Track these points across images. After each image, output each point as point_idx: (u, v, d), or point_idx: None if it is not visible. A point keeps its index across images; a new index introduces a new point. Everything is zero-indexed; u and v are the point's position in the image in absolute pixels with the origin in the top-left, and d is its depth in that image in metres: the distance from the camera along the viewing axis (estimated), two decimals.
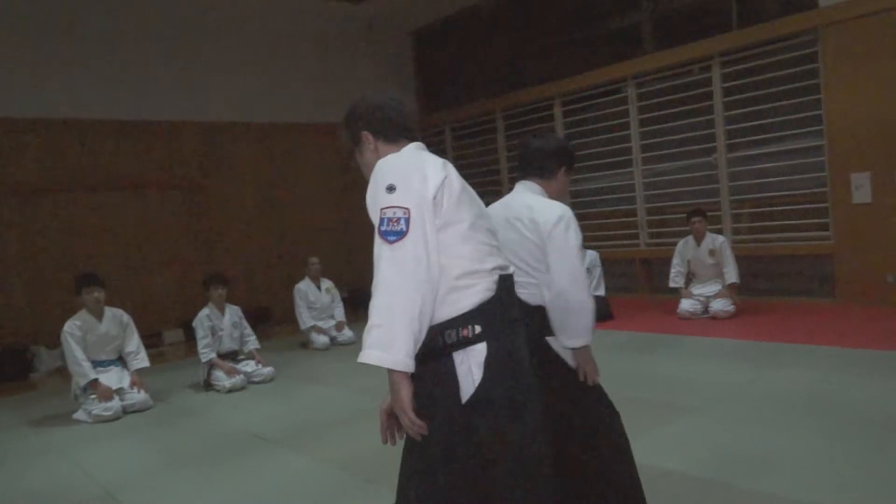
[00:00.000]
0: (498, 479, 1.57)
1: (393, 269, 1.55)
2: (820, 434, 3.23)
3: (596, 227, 8.28)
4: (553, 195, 2.37)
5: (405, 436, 1.64)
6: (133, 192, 7.96)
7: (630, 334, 5.98)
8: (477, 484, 1.57)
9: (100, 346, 5.08)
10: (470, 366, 1.58)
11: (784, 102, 6.55)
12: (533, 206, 2.25)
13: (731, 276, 6.23)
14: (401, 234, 1.56)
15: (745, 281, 6.70)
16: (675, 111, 7.36)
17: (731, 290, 6.29)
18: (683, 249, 6.53)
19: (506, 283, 1.68)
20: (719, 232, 6.79)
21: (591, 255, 6.95)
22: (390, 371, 1.55)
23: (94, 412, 4.80)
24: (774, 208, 6.86)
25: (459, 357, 1.59)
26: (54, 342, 5.75)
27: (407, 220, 1.56)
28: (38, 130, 7.30)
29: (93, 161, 7.67)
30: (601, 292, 6.80)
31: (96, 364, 5.04)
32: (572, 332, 2.17)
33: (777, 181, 6.71)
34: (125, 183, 7.87)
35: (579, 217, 7.53)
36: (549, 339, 2.21)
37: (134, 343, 5.24)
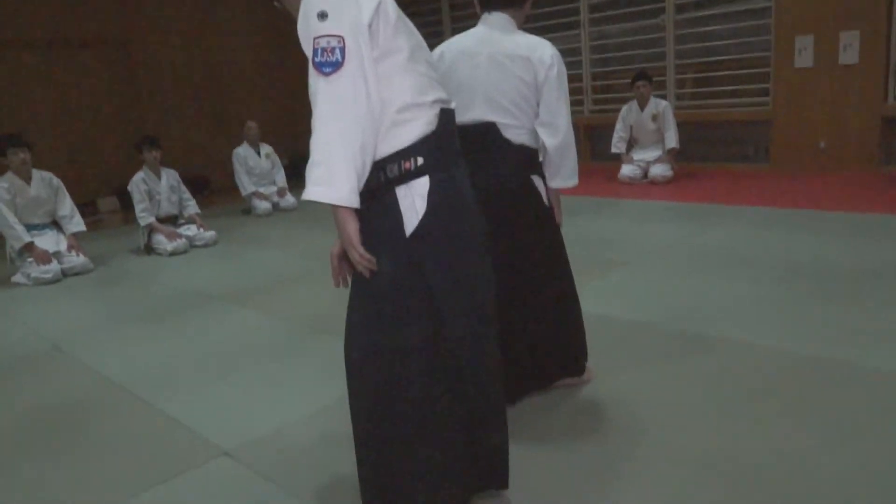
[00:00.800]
0: (445, 311, 1.61)
1: (330, 102, 1.50)
2: (747, 281, 3.45)
3: None
4: (519, 27, 2.27)
5: (353, 272, 1.66)
6: (60, 50, 7.40)
7: (571, 198, 6.09)
8: (422, 316, 1.61)
9: (31, 209, 4.91)
10: (413, 199, 1.58)
11: None
12: (521, 42, 2.19)
13: (672, 141, 6.34)
14: (336, 66, 1.49)
15: (686, 147, 6.83)
16: None
17: (671, 156, 6.42)
18: (626, 115, 6.57)
19: (447, 116, 1.65)
20: (663, 97, 6.83)
21: None
22: (335, 208, 1.54)
23: (32, 275, 4.71)
24: (718, 73, 6.89)
25: (402, 191, 1.58)
26: None
27: (342, 50, 1.48)
28: None
29: (17, 17, 7.03)
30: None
31: (30, 228, 4.89)
32: (567, 175, 2.28)
33: (723, 45, 6.70)
34: (52, 41, 7.29)
35: None
36: (533, 177, 2.25)
37: (67, 206, 5.08)
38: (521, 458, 1.96)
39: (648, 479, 1.88)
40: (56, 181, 5.07)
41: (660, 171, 6.34)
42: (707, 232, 4.52)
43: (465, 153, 1.74)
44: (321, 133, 1.51)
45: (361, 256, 1.57)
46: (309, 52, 1.51)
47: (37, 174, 4.94)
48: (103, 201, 7.79)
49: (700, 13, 6.80)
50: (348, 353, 1.67)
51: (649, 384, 2.45)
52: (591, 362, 2.54)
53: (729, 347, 2.69)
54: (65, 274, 4.84)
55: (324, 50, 1.49)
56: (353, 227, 1.56)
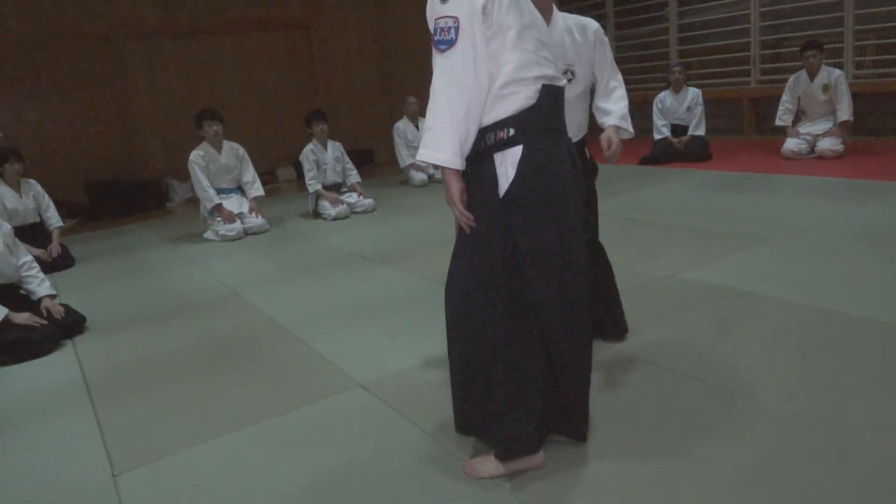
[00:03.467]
0: (529, 274, 1.78)
1: (442, 76, 1.73)
2: (883, 262, 3.24)
3: (703, 64, 7.88)
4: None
5: (456, 225, 1.89)
6: (241, 33, 8.29)
7: (726, 174, 5.89)
8: (509, 275, 1.79)
9: (221, 174, 5.66)
10: (507, 166, 1.77)
11: None
12: (567, 16, 2.47)
13: (845, 112, 5.88)
14: (450, 43, 1.71)
15: (863, 120, 6.31)
16: None
17: (844, 128, 5.96)
18: (794, 85, 6.17)
19: (551, 93, 1.81)
20: (839, 66, 6.32)
21: (693, 92, 6.72)
22: (442, 168, 1.79)
23: (220, 232, 5.46)
24: None
25: (498, 158, 1.78)
26: (185, 176, 6.38)
27: (456, 30, 1.70)
28: None
29: (207, 5, 8.00)
30: (701, 132, 6.65)
31: (219, 191, 5.64)
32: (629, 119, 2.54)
33: None
34: (233, 25, 8.20)
35: (684, 54, 7.32)
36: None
37: (250, 173, 5.78)
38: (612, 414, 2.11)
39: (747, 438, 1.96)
40: (242, 151, 5.78)
41: (828, 144, 5.91)
42: (865, 210, 4.22)
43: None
44: (433, 102, 1.76)
45: (461, 213, 1.80)
46: (431, 31, 1.75)
47: (226, 144, 5.68)
48: (282, 171, 8.65)
49: None
50: (448, 293, 1.92)
51: (758, 355, 2.46)
52: (701, 325, 2.59)
53: (848, 323, 2.60)
54: (246, 232, 5.55)
55: (441, 30, 1.73)
56: (455, 186, 1.79)
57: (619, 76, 2.57)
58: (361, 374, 2.67)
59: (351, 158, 6.37)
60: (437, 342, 2.89)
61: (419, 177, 7.10)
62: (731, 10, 7.46)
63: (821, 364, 2.34)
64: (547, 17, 2.33)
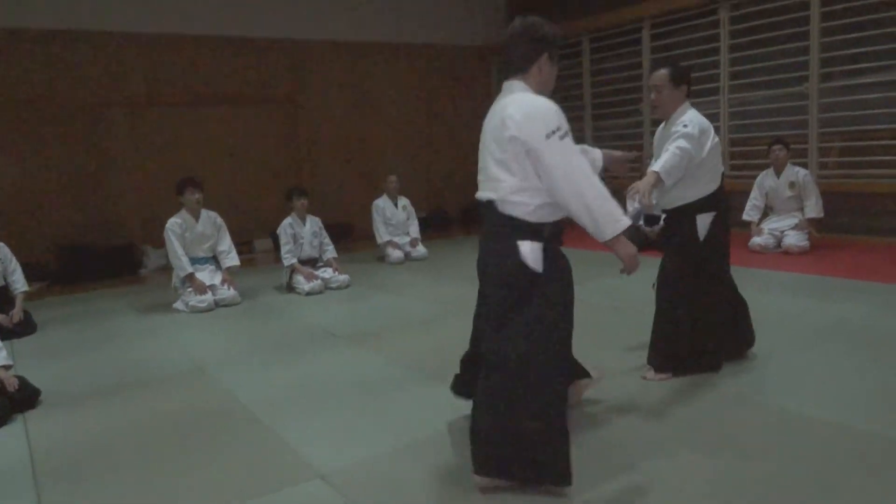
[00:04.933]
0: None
1: None
2: (870, 364, 3.28)
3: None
4: (535, 89, 2.40)
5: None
6: (230, 106, 8.46)
7: None
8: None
9: (197, 243, 5.64)
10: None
11: (884, 31, 6.15)
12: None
13: (813, 210, 6.09)
14: None
15: (827, 217, 6.51)
16: (769, 36, 7.02)
17: (811, 225, 6.15)
18: (762, 182, 6.41)
19: None
20: (804, 166, 6.58)
21: None
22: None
23: (190, 303, 5.39)
24: (864, 143, 6.54)
25: None
26: (160, 243, 6.36)
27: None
28: (142, 45, 7.82)
29: (194, 76, 8.18)
30: None
31: (194, 261, 5.61)
32: None
33: (870, 114, 6.38)
34: (223, 97, 8.37)
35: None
36: None
37: (226, 243, 5.77)
38: None
39: None
40: (220, 220, 5.79)
41: (794, 240, 6.08)
42: (832, 308, 4.31)
43: None
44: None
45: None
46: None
47: (205, 213, 5.69)
48: (259, 241, 8.65)
49: (846, 82, 6.54)
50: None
51: (714, 457, 2.45)
52: (667, 423, 2.57)
53: (812, 426, 2.61)
54: (217, 304, 5.49)
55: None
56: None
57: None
58: (323, 462, 2.60)
59: (329, 231, 6.40)
60: (403, 429, 2.85)
61: (396, 254, 7.14)
62: (701, 108, 7.73)
63: (781, 467, 2.33)
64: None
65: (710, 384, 3.14)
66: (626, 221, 2.26)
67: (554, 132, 2.20)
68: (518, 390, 2.25)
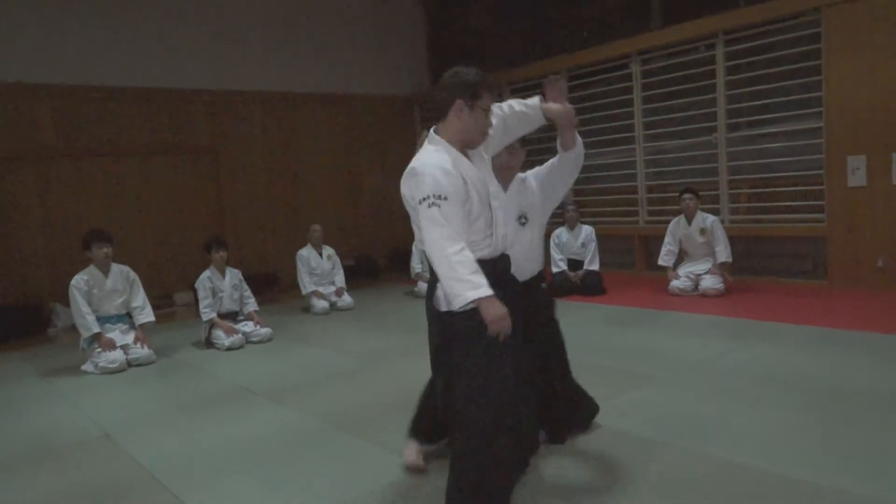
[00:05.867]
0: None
1: None
2: (781, 406, 3.35)
3: (596, 203, 8.40)
4: (455, 137, 2.36)
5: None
6: (146, 157, 8.21)
7: (619, 308, 6.13)
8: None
9: (107, 300, 5.36)
10: None
11: (786, 83, 6.57)
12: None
13: (723, 255, 6.33)
14: None
15: (739, 261, 6.80)
16: (679, 89, 7.39)
17: (723, 269, 6.39)
18: (675, 228, 6.64)
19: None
20: (716, 211, 6.88)
21: (587, 230, 7.09)
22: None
23: (100, 364, 5.08)
24: (771, 189, 6.91)
25: None
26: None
27: None
28: (53, 97, 7.53)
29: (106, 127, 7.90)
30: (595, 267, 6.95)
31: (105, 319, 5.32)
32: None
33: (775, 162, 6.76)
34: (139, 149, 8.12)
35: (579, 192, 7.70)
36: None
37: (139, 298, 5.50)
38: None
39: None
40: (132, 275, 5.53)
41: (710, 283, 6.30)
42: (750, 349, 4.45)
43: None
44: None
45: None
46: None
47: (115, 267, 5.42)
48: (179, 295, 8.32)
49: (752, 132, 6.93)
50: None
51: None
52: (602, 475, 2.55)
53: (731, 471, 2.64)
54: (130, 364, 5.20)
55: None
56: None
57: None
58: None
59: (253, 282, 6.22)
60: (326, 490, 2.72)
61: (321, 304, 6.99)
62: (619, 155, 8.07)
63: None
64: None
65: (631, 433, 3.15)
66: (472, 296, 2.13)
67: (424, 199, 2.19)
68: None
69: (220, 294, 5.85)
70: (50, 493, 2.96)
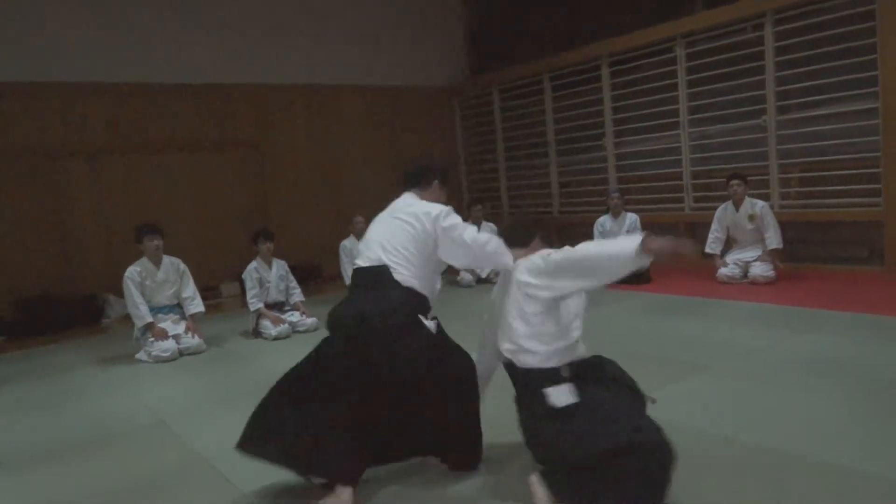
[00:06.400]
0: None
1: None
2: (835, 396, 3.27)
3: (640, 190, 8.27)
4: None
5: None
6: (193, 152, 8.38)
7: (665, 297, 6.04)
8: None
9: (158, 291, 5.50)
10: None
11: (838, 63, 6.34)
12: (416, 205, 2.84)
13: (773, 241, 6.17)
14: None
15: (791, 247, 6.61)
16: (726, 72, 7.20)
17: (773, 256, 6.23)
18: (722, 215, 6.50)
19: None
20: (766, 197, 6.71)
21: (631, 217, 6.99)
22: None
23: (153, 353, 5.23)
24: (824, 173, 6.70)
25: None
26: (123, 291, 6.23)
27: None
28: (101, 94, 7.73)
29: (155, 123, 8.10)
30: None
31: (157, 309, 5.47)
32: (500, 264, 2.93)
33: (828, 145, 6.54)
34: (185, 144, 8.30)
35: (623, 180, 7.70)
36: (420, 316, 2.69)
37: (190, 289, 5.64)
38: None
39: None
40: (182, 266, 5.67)
41: (760, 270, 6.15)
42: (802, 338, 4.34)
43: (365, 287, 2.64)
44: None
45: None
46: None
47: (166, 259, 5.56)
48: (226, 286, 8.50)
49: (803, 114, 6.72)
50: None
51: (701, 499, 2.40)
52: None
53: (788, 462, 2.58)
54: (181, 353, 5.33)
55: None
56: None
57: None
58: None
59: (297, 273, 6.31)
60: (365, 478, 2.75)
61: None
62: (663, 141, 7.92)
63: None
64: None
65: (689, 422, 3.11)
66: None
67: (440, 212, 2.79)
68: None
69: (267, 284, 5.95)
70: (110, 478, 3.06)
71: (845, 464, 2.54)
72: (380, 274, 2.65)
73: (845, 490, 2.36)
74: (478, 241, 2.69)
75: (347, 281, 7.16)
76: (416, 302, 2.65)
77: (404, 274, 2.65)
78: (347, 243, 7.28)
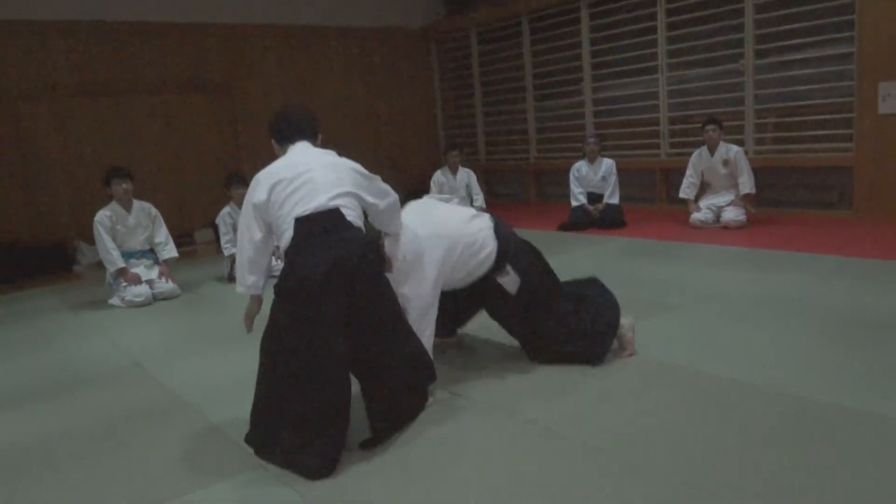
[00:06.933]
0: None
1: None
2: (801, 332, 3.35)
3: (617, 135, 8.25)
4: None
5: None
6: (161, 95, 8.16)
7: (639, 241, 6.10)
8: None
9: (130, 235, 5.43)
10: None
11: (816, 6, 6.31)
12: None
13: (746, 186, 6.22)
14: None
15: (763, 192, 6.69)
16: (705, 14, 7.14)
17: (746, 201, 6.29)
18: (697, 160, 6.52)
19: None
20: (741, 142, 6.74)
21: (607, 163, 6.99)
22: None
23: (126, 298, 5.19)
24: (798, 118, 6.73)
25: None
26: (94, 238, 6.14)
27: None
28: (65, 34, 7.46)
29: (122, 65, 7.86)
30: (615, 200, 6.88)
31: (129, 255, 5.40)
32: (397, 226, 3.02)
33: (803, 90, 6.56)
34: (153, 86, 8.07)
35: (599, 126, 7.63)
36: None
37: (162, 234, 5.57)
38: None
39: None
40: (154, 211, 5.58)
41: (733, 215, 6.22)
42: (772, 279, 4.42)
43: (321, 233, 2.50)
44: None
45: None
46: None
47: (137, 204, 5.47)
48: (200, 233, 8.41)
49: (781, 58, 6.70)
50: None
51: (654, 422, 2.47)
52: (614, 397, 2.59)
53: (749, 392, 2.67)
54: (155, 298, 5.30)
55: None
56: None
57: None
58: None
59: None
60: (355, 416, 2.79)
61: None
62: (641, 86, 7.88)
63: (714, 432, 2.37)
64: None
65: (660, 357, 3.18)
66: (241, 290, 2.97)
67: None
68: None
69: None
70: (88, 417, 3.06)
71: (806, 394, 2.62)
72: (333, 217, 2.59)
73: (805, 417, 2.44)
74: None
75: None
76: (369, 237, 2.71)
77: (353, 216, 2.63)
78: None
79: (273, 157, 2.91)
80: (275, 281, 2.61)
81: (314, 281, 2.41)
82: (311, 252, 2.48)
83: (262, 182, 2.66)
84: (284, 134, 2.91)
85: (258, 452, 2.51)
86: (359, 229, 2.62)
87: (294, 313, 2.48)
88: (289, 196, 2.59)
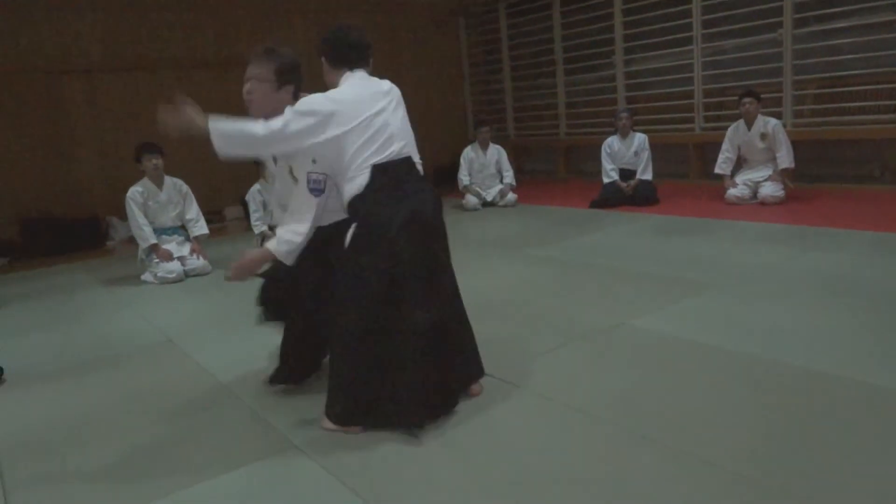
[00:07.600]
0: None
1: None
2: (840, 311, 3.25)
3: (650, 109, 8.06)
4: None
5: None
6: (189, 70, 8.16)
7: (672, 218, 5.97)
8: None
9: (162, 211, 5.46)
10: None
11: None
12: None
13: (785, 160, 6.04)
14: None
15: (803, 166, 6.48)
16: None
17: (784, 175, 6.12)
18: (733, 134, 6.33)
19: None
20: (779, 115, 6.53)
21: (640, 137, 6.84)
22: None
23: (158, 274, 5.24)
24: (840, 90, 6.50)
25: None
26: (126, 214, 6.20)
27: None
28: (95, 9, 7.47)
29: (153, 40, 7.86)
30: (648, 176, 6.75)
31: (161, 231, 5.44)
32: None
33: (845, 60, 6.32)
34: (182, 62, 8.07)
35: (631, 100, 7.44)
36: None
37: (193, 211, 5.60)
38: None
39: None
40: (185, 187, 5.60)
41: (769, 191, 6.06)
42: (811, 256, 4.30)
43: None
44: None
45: None
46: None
47: (168, 180, 5.50)
48: (230, 209, 8.45)
49: (821, 27, 6.46)
50: None
51: (694, 404, 2.41)
52: (648, 376, 2.54)
53: (789, 374, 2.59)
54: (187, 275, 5.34)
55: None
56: None
57: None
58: (297, 434, 2.52)
59: None
60: None
61: None
62: (675, 58, 7.67)
63: (759, 417, 2.30)
64: None
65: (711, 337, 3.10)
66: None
67: None
68: None
69: (270, 207, 5.89)
70: (124, 394, 3.10)
71: (845, 374, 2.54)
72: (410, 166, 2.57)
73: (844, 397, 2.36)
74: None
75: None
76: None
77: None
78: None
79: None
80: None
81: (392, 232, 2.31)
82: (384, 203, 2.37)
83: (334, 119, 2.46)
84: (349, 58, 2.68)
85: (346, 422, 2.44)
86: (427, 181, 2.57)
87: (376, 267, 2.34)
88: (367, 141, 2.44)
